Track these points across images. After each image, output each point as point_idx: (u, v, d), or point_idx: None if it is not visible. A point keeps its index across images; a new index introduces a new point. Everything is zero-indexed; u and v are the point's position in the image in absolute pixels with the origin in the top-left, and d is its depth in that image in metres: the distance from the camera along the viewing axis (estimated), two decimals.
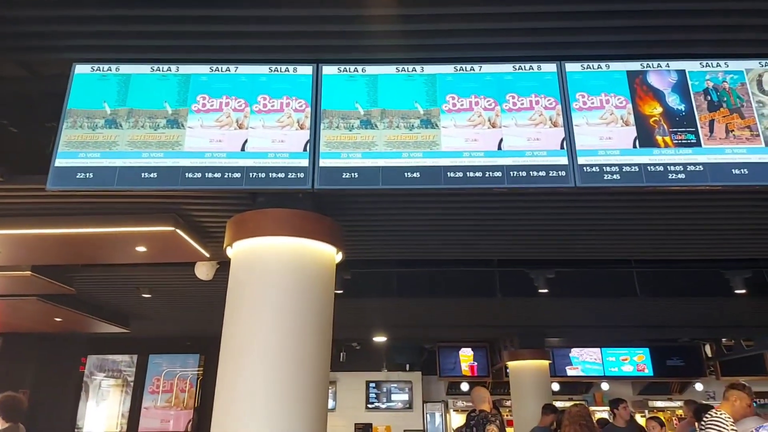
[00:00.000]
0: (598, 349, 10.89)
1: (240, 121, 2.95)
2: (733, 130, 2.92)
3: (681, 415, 8.10)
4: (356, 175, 2.76)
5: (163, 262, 4.80)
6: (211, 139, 2.90)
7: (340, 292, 5.54)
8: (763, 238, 4.50)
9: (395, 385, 12.19)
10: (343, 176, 2.77)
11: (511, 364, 8.68)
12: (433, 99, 2.98)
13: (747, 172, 2.85)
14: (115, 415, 7.72)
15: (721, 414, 4.90)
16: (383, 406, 11.97)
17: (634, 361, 10.87)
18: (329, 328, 3.38)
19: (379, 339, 10.20)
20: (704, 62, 3.04)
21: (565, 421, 5.12)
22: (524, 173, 2.90)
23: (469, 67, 3.03)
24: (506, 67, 3.05)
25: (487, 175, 2.88)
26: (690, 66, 3.05)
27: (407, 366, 12.29)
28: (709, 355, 11.15)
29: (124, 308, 7.15)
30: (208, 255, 4.56)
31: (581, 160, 2.91)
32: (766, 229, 4.27)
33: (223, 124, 2.94)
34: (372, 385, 12.20)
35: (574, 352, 10.94)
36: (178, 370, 7.81)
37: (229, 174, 2.80)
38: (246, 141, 2.89)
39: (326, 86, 3.00)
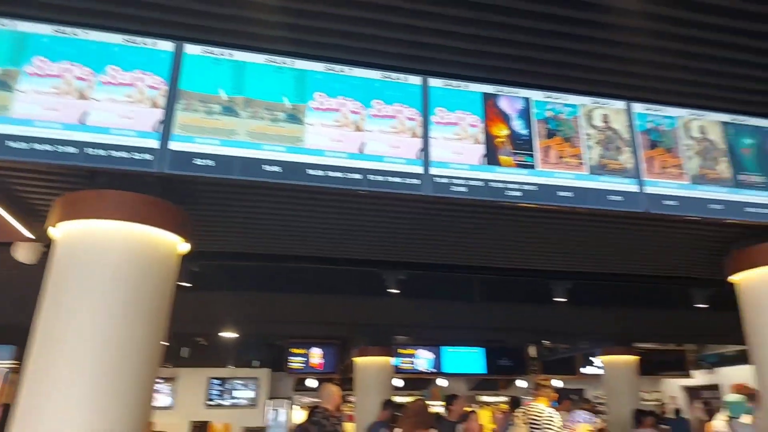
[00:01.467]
0: (438, 348, 11.61)
1: (82, 90, 2.65)
2: (564, 157, 3.30)
3: (504, 408, 8.96)
4: (212, 163, 2.63)
5: None
6: (45, 107, 2.57)
7: (188, 285, 5.24)
8: (585, 253, 5.14)
9: (241, 381, 11.84)
10: (197, 162, 2.62)
11: (357, 360, 8.90)
12: (301, 95, 2.95)
13: (572, 195, 3.24)
14: None
15: (543, 407, 5.53)
16: (226, 403, 11.54)
17: (470, 360, 11.78)
18: (164, 322, 3.17)
19: (227, 334, 9.82)
20: (547, 93, 3.39)
21: (403, 414, 5.37)
22: (382, 178, 3.00)
23: (339, 68, 3.05)
24: (375, 74, 3.12)
25: (347, 176, 2.93)
26: (535, 95, 3.38)
27: (255, 362, 12.02)
28: (533, 356, 12.50)
29: None
30: (31, 236, 4.03)
31: (434, 171, 3.09)
32: (586, 245, 4.88)
33: (62, 92, 2.62)
34: (215, 381, 11.71)
35: (417, 351, 11.55)
36: None
37: (62, 147, 2.50)
38: (87, 113, 2.61)
39: (187, 66, 2.82)
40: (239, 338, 10.31)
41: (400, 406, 6.15)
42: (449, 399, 7.07)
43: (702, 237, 4.38)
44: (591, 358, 12.22)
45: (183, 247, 3.45)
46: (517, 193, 3.19)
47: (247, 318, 8.47)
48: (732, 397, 5.55)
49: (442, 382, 12.65)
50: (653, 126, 3.43)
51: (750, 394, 5.64)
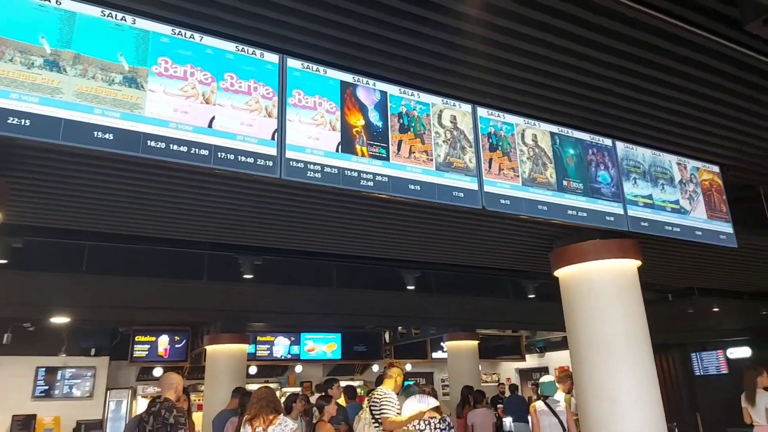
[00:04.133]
0: (296, 334, 11.60)
1: None
2: (415, 152, 3.44)
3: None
4: (27, 123, 2.32)
5: None
6: None
7: (4, 261, 4.63)
8: (433, 245, 5.43)
9: (75, 370, 10.75)
10: (9, 121, 2.30)
11: (209, 348, 8.57)
12: (143, 57, 2.72)
13: (421, 189, 3.40)
14: None
15: (386, 390, 5.74)
16: (57, 394, 10.42)
17: (328, 346, 11.94)
18: None
19: (59, 320, 8.86)
20: (402, 89, 3.50)
21: (250, 401, 5.28)
22: (233, 156, 2.88)
23: (189, 34, 2.87)
24: (229, 45, 2.98)
25: (193, 152, 2.77)
26: (391, 89, 3.47)
27: (93, 350, 11.00)
28: (387, 341, 13.01)
29: None
30: None
31: (289, 155, 3.04)
32: (435, 238, 5.16)
33: None
34: (43, 371, 10.51)
35: (276, 338, 11.44)
36: None
37: None
38: None
39: (4, 6, 2.45)
40: (73, 324, 9.36)
41: (249, 394, 6.03)
42: (328, 383, 7.06)
43: (532, 234, 4.85)
44: (441, 344, 13.05)
45: None
46: (371, 183, 3.26)
47: (84, 302, 7.72)
48: (543, 378, 6.26)
49: (298, 368, 12.67)
50: (494, 130, 3.72)
51: (567, 375, 6.41)
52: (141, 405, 10.76)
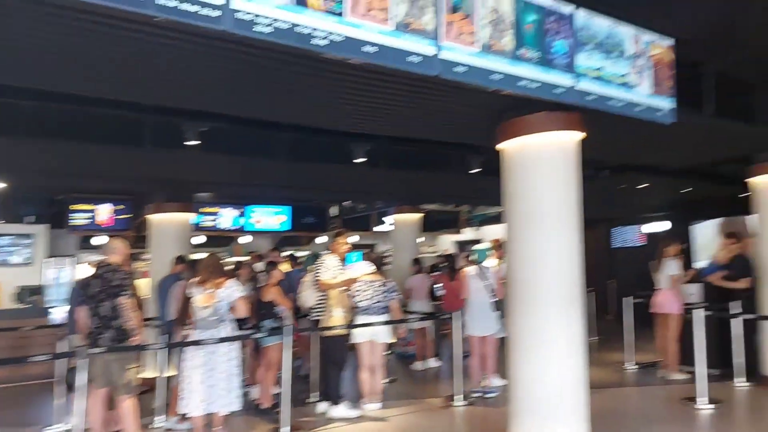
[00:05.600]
0: (243, 207, 11.64)
1: None
2: (372, 10, 3.28)
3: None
4: None
5: None
6: None
7: None
8: (384, 116, 5.36)
9: (11, 238, 10.51)
10: None
11: (153, 217, 8.50)
12: None
13: (375, 51, 3.29)
14: None
15: (327, 257, 6.05)
16: None
17: (275, 218, 12.09)
18: None
19: None
20: None
21: (200, 267, 5.44)
22: (176, 3, 2.67)
23: None
24: None
25: None
26: None
27: (34, 218, 10.72)
28: (335, 214, 13.35)
29: None
30: None
31: (236, 5, 2.84)
32: (385, 108, 5.09)
33: None
34: None
35: (221, 209, 11.44)
36: None
37: None
38: None
39: None
40: (9, 190, 8.97)
41: (194, 262, 6.17)
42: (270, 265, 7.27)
43: (481, 105, 4.85)
44: (383, 218, 13.52)
45: None
46: (324, 42, 3.13)
47: (18, 167, 7.33)
48: (479, 245, 6.79)
49: (245, 239, 12.90)
50: None
51: (500, 245, 6.92)
52: (82, 272, 10.80)
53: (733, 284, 6.96)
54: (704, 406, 5.80)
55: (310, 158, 7.95)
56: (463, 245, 15.66)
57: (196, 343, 4.93)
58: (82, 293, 4.89)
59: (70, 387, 5.00)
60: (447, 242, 16.07)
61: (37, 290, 10.01)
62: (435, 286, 8.75)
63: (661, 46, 4.75)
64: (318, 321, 6.20)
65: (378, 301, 5.98)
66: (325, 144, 7.72)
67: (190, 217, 8.86)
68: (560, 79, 4.09)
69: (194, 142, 6.39)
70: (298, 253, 12.70)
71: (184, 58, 3.86)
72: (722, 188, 9.95)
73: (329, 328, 5.82)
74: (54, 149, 6.45)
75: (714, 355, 6.31)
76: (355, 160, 7.28)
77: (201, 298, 5.03)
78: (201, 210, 10.85)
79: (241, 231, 11.95)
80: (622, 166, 8.89)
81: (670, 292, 7.10)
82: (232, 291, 5.08)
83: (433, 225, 14.32)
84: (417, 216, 10.82)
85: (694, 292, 7.57)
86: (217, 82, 4.42)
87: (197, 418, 4.93)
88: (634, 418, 5.73)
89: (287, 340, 5.33)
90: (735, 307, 6.54)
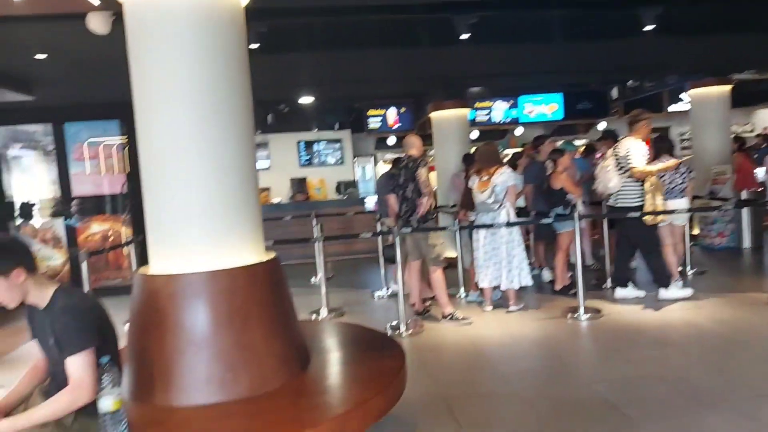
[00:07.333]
0: (515, 98, 11.47)
1: None
2: None
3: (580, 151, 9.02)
4: None
5: (47, 13, 4.31)
6: None
7: (256, 46, 5.29)
8: None
9: (325, 143, 12.72)
10: None
11: (433, 114, 9.09)
12: None
13: None
14: (45, 183, 7.75)
15: (634, 141, 5.58)
16: (317, 162, 12.66)
17: (548, 106, 11.62)
18: (248, 86, 3.00)
19: (306, 100, 10.21)
20: None
21: (476, 156, 5.72)
22: None
23: None
24: None
25: None
26: None
27: (336, 125, 12.68)
28: (615, 97, 12.07)
29: (21, 73, 6.61)
30: (97, 2, 4.08)
31: None
32: None
33: None
34: (303, 144, 12.67)
35: (494, 103, 11.49)
36: (100, 137, 7.64)
37: None
38: None
39: None
40: (317, 103, 10.69)
41: (469, 154, 6.40)
42: (538, 140, 7.22)
43: None
44: (679, 96, 11.66)
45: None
46: None
47: (323, 80, 8.60)
48: None
49: (518, 130, 12.82)
50: None
51: None
52: (381, 168, 12.47)
53: None
54: None
55: (586, 35, 7.20)
56: None
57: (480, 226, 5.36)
58: (390, 183, 5.61)
59: (389, 260, 5.86)
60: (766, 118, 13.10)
61: (351, 184, 12.05)
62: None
63: None
64: (622, 208, 5.63)
65: (679, 183, 5.86)
66: (604, 17, 6.88)
67: (467, 112, 9.19)
68: None
69: (465, 35, 6.43)
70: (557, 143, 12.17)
71: None
72: None
73: (649, 214, 5.35)
74: (348, 60, 7.27)
75: None
76: (642, 30, 6.30)
77: (478, 184, 5.38)
78: (474, 106, 11.09)
79: (516, 123, 11.87)
80: None
81: None
82: (507, 177, 5.27)
83: (746, 98, 11.77)
84: (724, 89, 9.03)
85: None
86: None
87: (487, 289, 5.57)
88: None
89: (578, 226, 5.20)
90: None
